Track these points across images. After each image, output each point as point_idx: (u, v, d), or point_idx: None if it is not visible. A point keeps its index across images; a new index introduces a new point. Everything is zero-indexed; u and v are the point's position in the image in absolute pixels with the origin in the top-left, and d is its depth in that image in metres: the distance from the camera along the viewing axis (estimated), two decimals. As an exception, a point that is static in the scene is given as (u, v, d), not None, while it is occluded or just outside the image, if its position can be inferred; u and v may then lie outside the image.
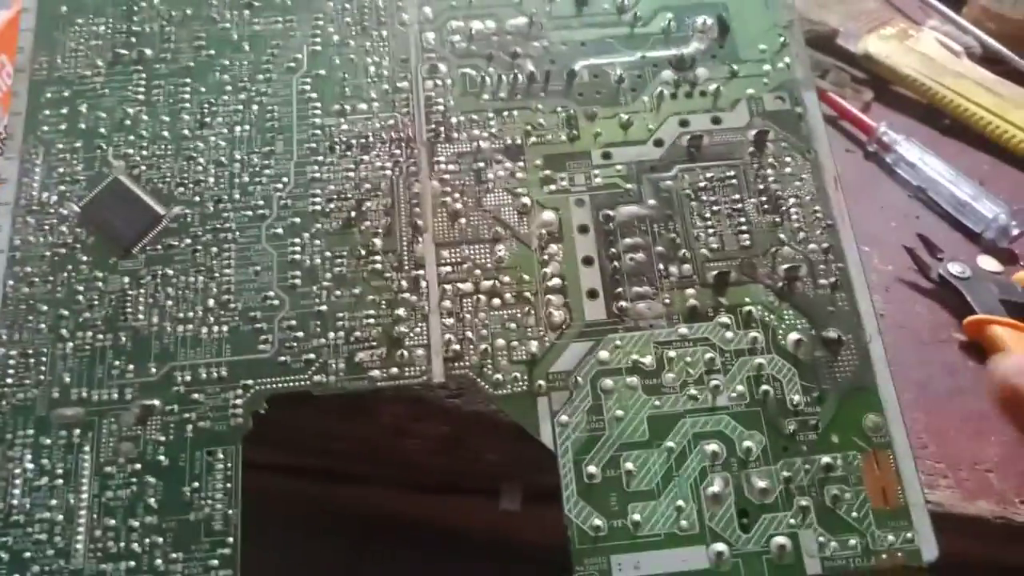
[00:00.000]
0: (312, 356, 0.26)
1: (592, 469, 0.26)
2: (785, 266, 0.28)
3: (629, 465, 0.26)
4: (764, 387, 0.27)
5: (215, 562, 0.24)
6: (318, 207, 0.28)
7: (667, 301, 0.28)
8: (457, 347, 0.27)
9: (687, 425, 0.26)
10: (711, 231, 0.29)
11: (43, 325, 0.26)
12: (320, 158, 0.29)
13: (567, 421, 0.26)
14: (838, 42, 0.46)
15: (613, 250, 0.28)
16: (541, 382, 0.27)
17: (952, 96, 0.42)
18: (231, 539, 0.24)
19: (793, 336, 0.27)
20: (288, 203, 0.28)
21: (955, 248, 0.37)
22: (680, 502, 0.25)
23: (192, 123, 0.29)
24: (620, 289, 0.28)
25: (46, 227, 0.28)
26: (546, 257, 0.28)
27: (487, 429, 0.29)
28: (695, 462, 0.26)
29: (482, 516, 0.33)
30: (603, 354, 0.27)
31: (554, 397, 0.26)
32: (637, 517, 0.25)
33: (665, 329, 0.27)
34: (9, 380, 0.26)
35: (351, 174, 0.29)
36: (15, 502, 0.24)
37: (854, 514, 0.25)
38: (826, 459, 0.26)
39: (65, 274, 0.27)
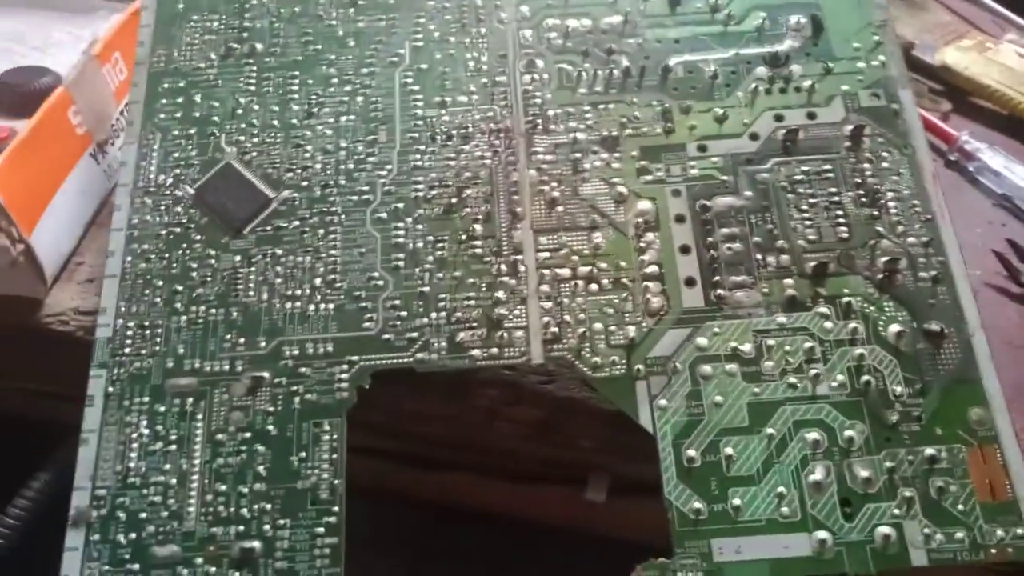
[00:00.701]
0: (415, 335, 0.27)
1: (692, 453, 0.26)
2: (884, 259, 0.28)
3: (729, 450, 0.26)
4: (865, 377, 0.26)
5: (321, 529, 0.24)
6: (420, 193, 0.29)
7: (765, 290, 0.28)
8: (555, 330, 0.27)
9: (787, 413, 0.26)
10: (808, 223, 0.29)
11: (159, 299, 0.27)
12: (422, 147, 0.30)
13: (666, 405, 0.26)
14: (914, 54, 0.46)
15: (710, 239, 0.28)
16: (640, 366, 0.27)
17: (1036, 106, 0.42)
18: (336, 508, 0.25)
19: (894, 328, 0.27)
20: (391, 189, 0.29)
21: (1044, 255, 0.36)
22: (781, 488, 0.25)
23: (300, 113, 0.31)
24: (718, 277, 0.28)
25: (162, 207, 0.29)
26: (643, 245, 0.28)
27: (581, 415, 0.29)
28: (796, 449, 0.26)
29: (565, 507, 0.33)
30: (701, 340, 0.27)
31: (653, 381, 0.27)
32: (738, 502, 0.25)
33: (764, 318, 0.27)
34: (127, 350, 0.27)
35: (452, 163, 0.30)
36: (132, 465, 0.25)
37: (960, 507, 0.25)
38: (930, 451, 0.25)
39: (180, 252, 0.28)
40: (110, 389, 0.26)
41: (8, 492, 0.30)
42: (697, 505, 0.25)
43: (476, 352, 0.27)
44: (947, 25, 0.49)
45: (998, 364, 0.27)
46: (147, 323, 0.27)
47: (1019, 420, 0.31)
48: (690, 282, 0.28)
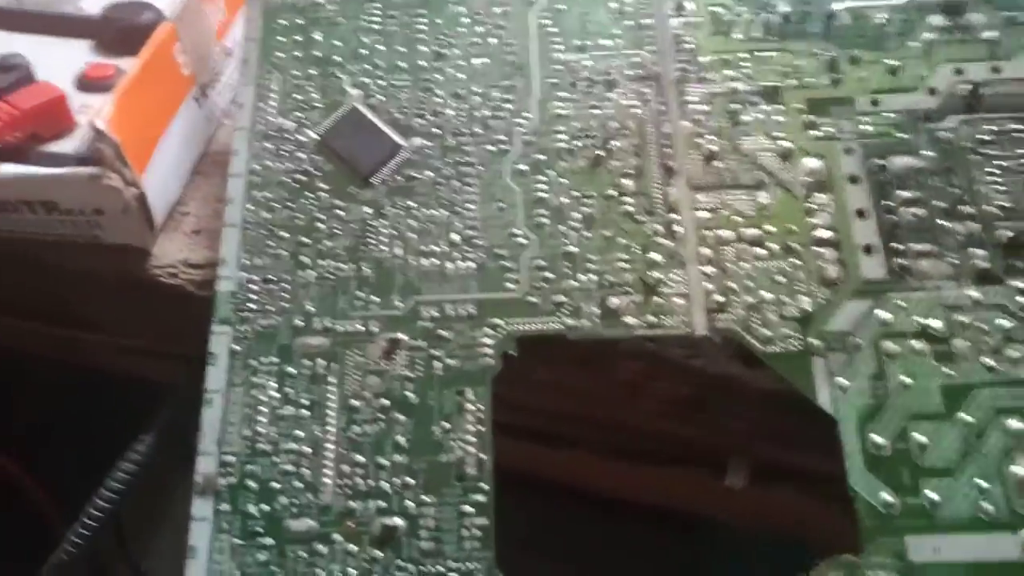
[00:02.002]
0: (563, 298, 0.24)
1: (879, 439, 0.23)
2: (1088, 229, 0.25)
3: (921, 437, 0.23)
4: (1071, 360, 0.23)
5: (469, 508, 0.22)
6: (563, 145, 0.26)
7: (953, 260, 0.25)
8: (720, 298, 0.24)
9: (985, 397, 0.23)
10: (1000, 188, 0.26)
11: (284, 252, 0.25)
12: (563, 94, 0.27)
13: (847, 386, 0.23)
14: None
15: (889, 202, 0.26)
16: (816, 341, 0.24)
17: None
18: (485, 486, 0.22)
19: (1103, 306, 0.24)
20: (531, 140, 0.27)
21: None
22: (982, 483, 0.22)
23: (429, 54, 0.28)
24: (899, 245, 0.25)
25: (284, 153, 0.26)
26: (813, 207, 0.26)
27: (734, 393, 0.26)
28: (997, 439, 0.23)
29: (699, 492, 0.30)
30: (884, 314, 0.24)
31: (831, 359, 0.24)
32: (933, 496, 0.22)
33: (953, 292, 0.24)
34: (252, 306, 0.24)
35: (596, 112, 0.27)
36: (261, 430, 0.23)
37: None
38: None
39: (304, 201, 0.26)
40: (235, 347, 0.24)
41: (107, 454, 0.28)
42: (887, 498, 0.22)
43: (631, 320, 0.24)
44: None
45: None
46: (272, 277, 0.25)
47: None
48: (868, 249, 0.25)
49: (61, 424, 0.34)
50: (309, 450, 0.23)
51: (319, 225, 0.25)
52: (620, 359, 0.27)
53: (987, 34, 0.28)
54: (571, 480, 0.32)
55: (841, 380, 0.24)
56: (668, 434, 0.29)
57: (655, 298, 0.24)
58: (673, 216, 0.25)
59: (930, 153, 0.26)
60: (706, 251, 0.25)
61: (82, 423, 0.33)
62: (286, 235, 0.25)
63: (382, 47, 0.28)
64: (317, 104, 0.27)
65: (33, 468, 0.32)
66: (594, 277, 0.25)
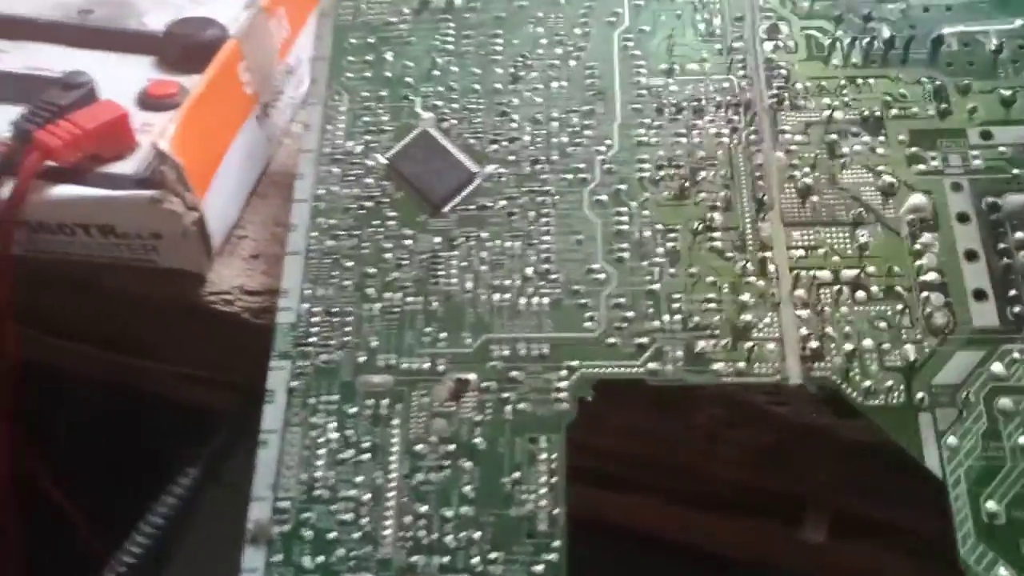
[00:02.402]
0: (645, 340, 0.23)
1: (992, 506, 0.21)
2: None
3: (1042, 506, 0.21)
4: None
5: (539, 568, 0.20)
6: (646, 174, 0.25)
7: (1075, 311, 0.23)
8: (816, 344, 0.22)
9: (1111, 464, 0.21)
10: (1125, 230, 0.23)
11: (348, 282, 0.24)
12: (647, 120, 0.25)
13: (958, 445, 0.21)
14: None
15: (1003, 244, 0.23)
16: (922, 395, 0.22)
17: None
18: (557, 543, 0.21)
19: None
20: (613, 168, 0.25)
21: None
22: (1112, 561, 0.20)
23: (505, 77, 0.26)
24: (1014, 291, 0.23)
25: (351, 178, 0.25)
26: (919, 247, 0.24)
27: (820, 445, 0.24)
28: None
29: (776, 544, 0.28)
30: (998, 367, 0.22)
31: (939, 414, 0.22)
32: (1058, 573, 0.20)
33: (1074, 344, 0.22)
34: (313, 339, 0.23)
35: (683, 140, 0.25)
36: (319, 474, 0.21)
37: None
38: None
39: (371, 229, 0.24)
40: (294, 384, 0.22)
41: (154, 484, 0.27)
42: (1003, 572, 0.20)
43: (719, 366, 0.22)
44: None
45: None
46: (335, 309, 0.23)
47: None
48: (980, 295, 0.23)
49: (107, 450, 0.33)
50: (369, 497, 0.21)
51: (386, 255, 0.24)
52: (701, 403, 0.25)
53: (1109, 62, 0.26)
54: (642, 526, 0.30)
55: (951, 439, 0.21)
56: (746, 483, 0.27)
57: (745, 342, 0.23)
58: (765, 254, 0.24)
59: (1048, 191, 0.24)
60: (801, 293, 0.23)
61: (130, 449, 0.33)
62: (351, 265, 0.24)
63: (456, 68, 0.27)
64: (387, 127, 0.26)
65: (76, 494, 0.31)
66: (679, 318, 0.23)
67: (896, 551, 0.28)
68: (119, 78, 0.28)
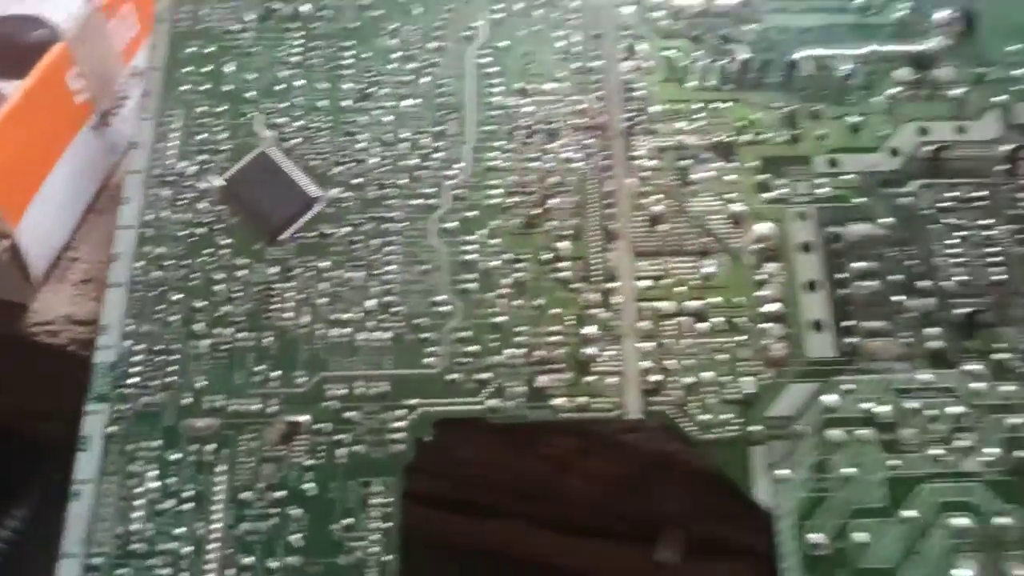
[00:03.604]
0: (487, 375, 0.22)
1: (816, 538, 0.21)
2: (1049, 309, 0.23)
3: (862, 536, 0.21)
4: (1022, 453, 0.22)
5: (368, 620, 0.20)
6: (496, 200, 0.24)
7: (906, 340, 0.23)
8: (658, 377, 0.22)
9: (928, 492, 0.22)
10: (958, 261, 0.24)
11: (175, 317, 0.22)
12: (500, 143, 0.25)
13: (788, 477, 0.22)
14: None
15: (842, 274, 0.24)
16: (758, 427, 0.22)
17: None
18: (388, 593, 0.20)
19: (1061, 394, 0.22)
20: (462, 194, 0.24)
21: None
22: (925, 588, 0.21)
23: (353, 93, 0.25)
24: (850, 322, 0.23)
25: (183, 202, 0.24)
26: (762, 277, 0.24)
27: (671, 474, 0.25)
28: (939, 538, 0.21)
29: (629, 565, 0.28)
30: (831, 399, 0.22)
31: (772, 447, 0.22)
32: (874, 603, 0.21)
33: (904, 374, 0.23)
34: (134, 380, 0.22)
35: (535, 164, 0.25)
36: (135, 527, 0.20)
37: None
38: (1107, 551, 0.21)
39: (202, 258, 0.23)
40: (111, 430, 0.21)
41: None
42: (824, 604, 0.21)
43: (560, 401, 0.22)
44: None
45: None
46: (159, 347, 0.22)
47: None
48: (818, 326, 0.23)
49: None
50: (190, 550, 0.20)
51: (217, 287, 0.23)
52: (551, 435, 0.25)
53: (954, 91, 0.26)
54: (499, 549, 0.29)
55: (781, 472, 0.22)
56: (601, 508, 0.27)
57: (586, 376, 0.22)
58: (611, 285, 0.23)
59: (888, 220, 0.24)
60: (645, 324, 0.23)
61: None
62: (178, 298, 0.23)
63: (301, 82, 0.25)
64: (224, 146, 0.25)
65: None
66: (522, 352, 0.23)
67: (752, 573, 0.29)
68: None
